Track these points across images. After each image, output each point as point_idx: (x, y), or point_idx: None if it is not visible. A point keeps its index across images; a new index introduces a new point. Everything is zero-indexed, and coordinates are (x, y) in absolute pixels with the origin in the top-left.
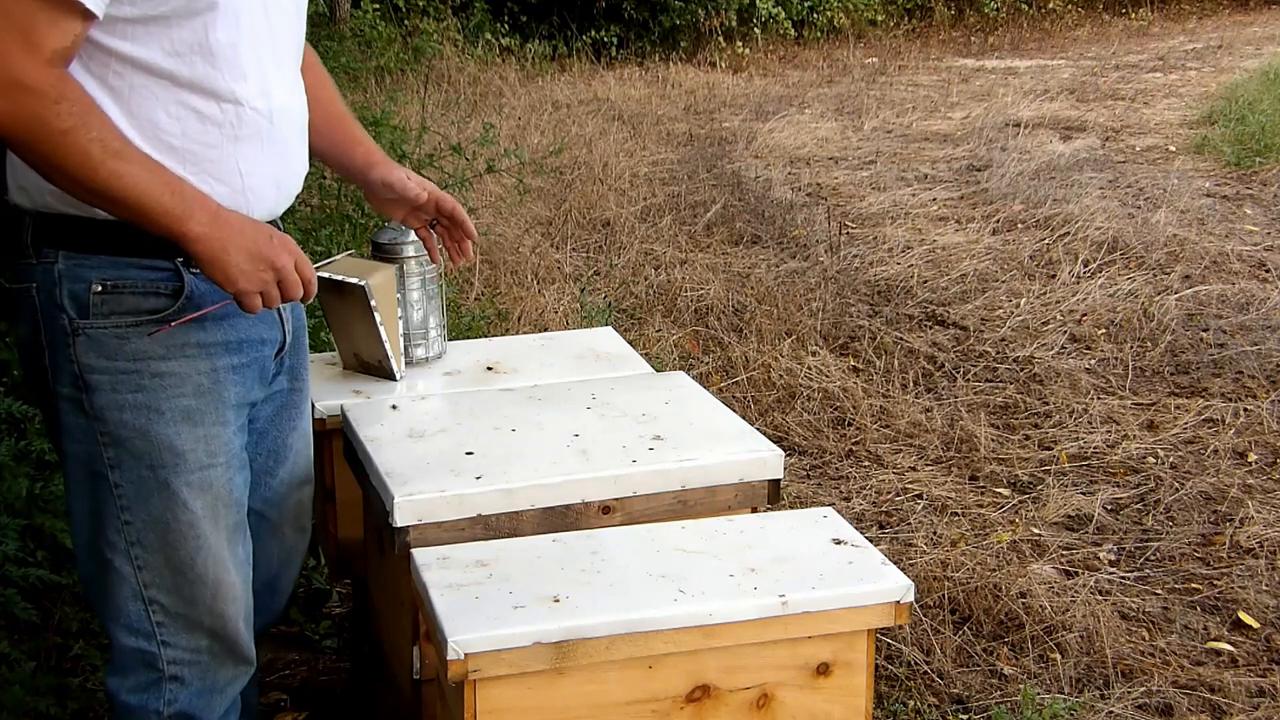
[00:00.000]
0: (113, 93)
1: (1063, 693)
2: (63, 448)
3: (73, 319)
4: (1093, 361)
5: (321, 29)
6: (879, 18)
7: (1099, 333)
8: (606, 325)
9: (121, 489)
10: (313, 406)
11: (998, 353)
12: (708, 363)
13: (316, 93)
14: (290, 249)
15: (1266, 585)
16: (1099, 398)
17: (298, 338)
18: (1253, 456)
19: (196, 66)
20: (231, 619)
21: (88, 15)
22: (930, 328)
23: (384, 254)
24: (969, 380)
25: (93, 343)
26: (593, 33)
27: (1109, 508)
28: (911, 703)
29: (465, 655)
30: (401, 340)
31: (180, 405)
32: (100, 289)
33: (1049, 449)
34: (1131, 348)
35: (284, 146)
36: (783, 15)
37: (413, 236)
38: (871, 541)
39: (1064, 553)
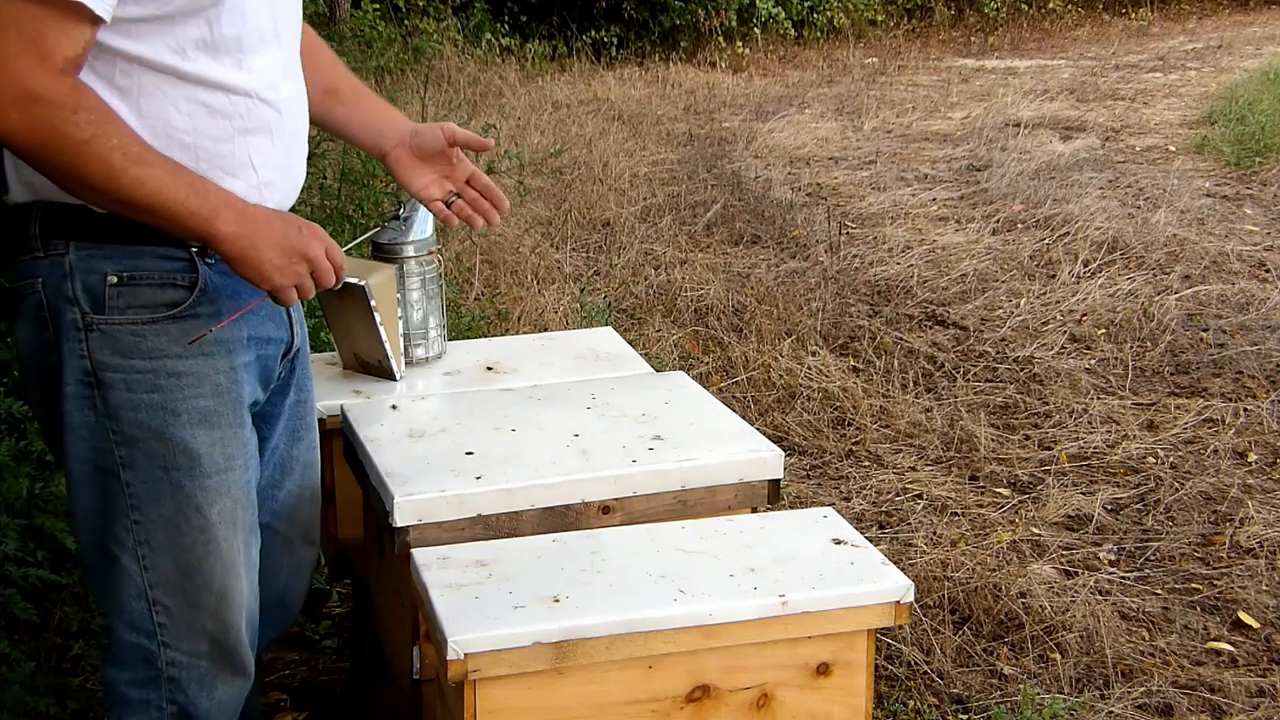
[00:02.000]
0: (121, 93)
1: (1063, 693)
2: (65, 447)
3: (85, 313)
4: (1093, 361)
5: (322, 29)
6: (879, 18)
7: (1099, 333)
8: (606, 325)
9: (133, 488)
10: None
11: (998, 353)
12: (708, 363)
13: (335, 69)
14: (320, 236)
15: (1266, 585)
16: (1099, 398)
17: (303, 344)
18: (1253, 456)
19: (201, 62)
20: (234, 627)
21: (96, 20)
22: (930, 328)
23: (384, 254)
24: (969, 380)
25: (107, 339)
26: (593, 33)
27: (1109, 508)
28: (911, 703)
29: (465, 655)
30: (401, 340)
31: (198, 407)
32: (116, 280)
33: (1049, 449)
34: (1131, 348)
35: (291, 138)
36: (783, 15)
37: (413, 236)
38: (871, 541)
39: (1064, 553)
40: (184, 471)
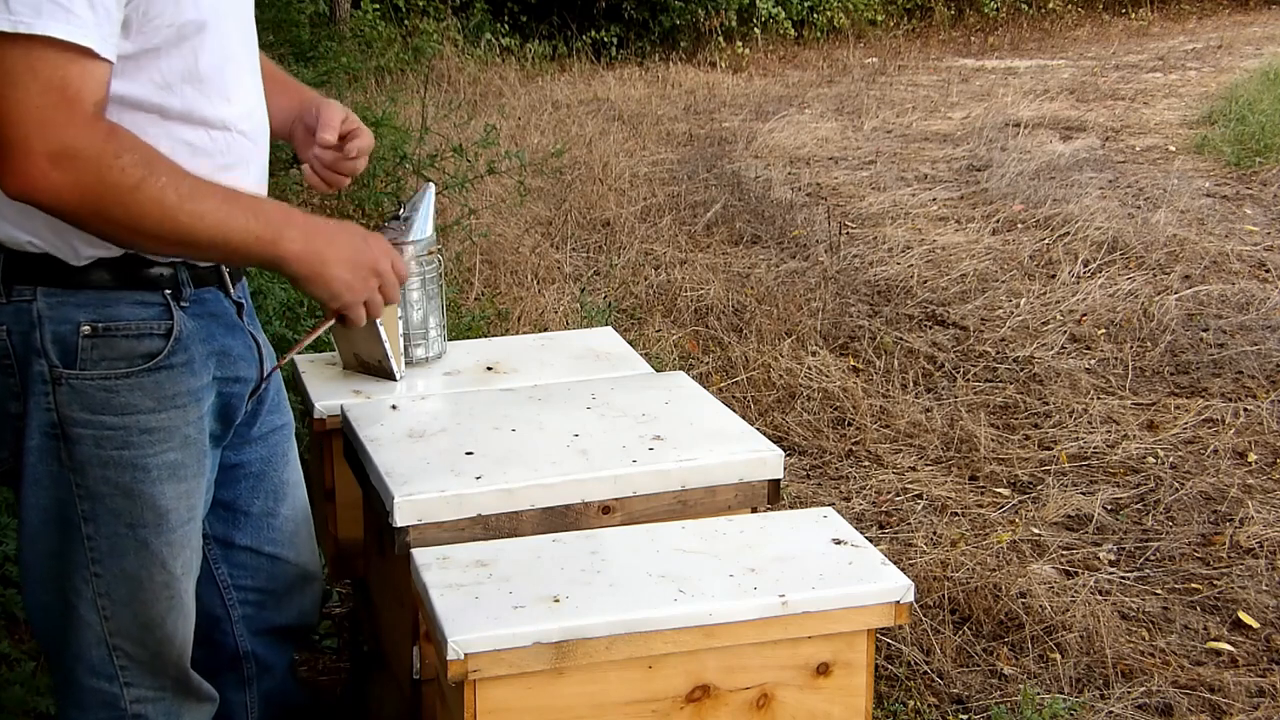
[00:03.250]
0: None
1: (1063, 693)
2: (23, 495)
3: (54, 366)
4: (1093, 361)
5: (321, 29)
6: (879, 18)
7: (1099, 333)
8: (606, 325)
9: (94, 541)
10: (313, 406)
11: (998, 353)
12: (708, 363)
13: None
14: (384, 248)
15: (1266, 585)
16: (1099, 398)
17: (274, 377)
18: (1253, 456)
19: (186, 96)
20: (194, 673)
21: (108, 61)
22: (930, 328)
23: None
24: (969, 380)
25: (76, 394)
26: (593, 33)
27: (1109, 508)
28: (911, 703)
29: (465, 655)
30: (401, 340)
31: (167, 461)
32: (90, 330)
33: (1049, 449)
34: (1131, 348)
35: (261, 165)
36: (783, 15)
37: (412, 236)
38: (871, 541)
39: (1064, 553)
40: (150, 528)
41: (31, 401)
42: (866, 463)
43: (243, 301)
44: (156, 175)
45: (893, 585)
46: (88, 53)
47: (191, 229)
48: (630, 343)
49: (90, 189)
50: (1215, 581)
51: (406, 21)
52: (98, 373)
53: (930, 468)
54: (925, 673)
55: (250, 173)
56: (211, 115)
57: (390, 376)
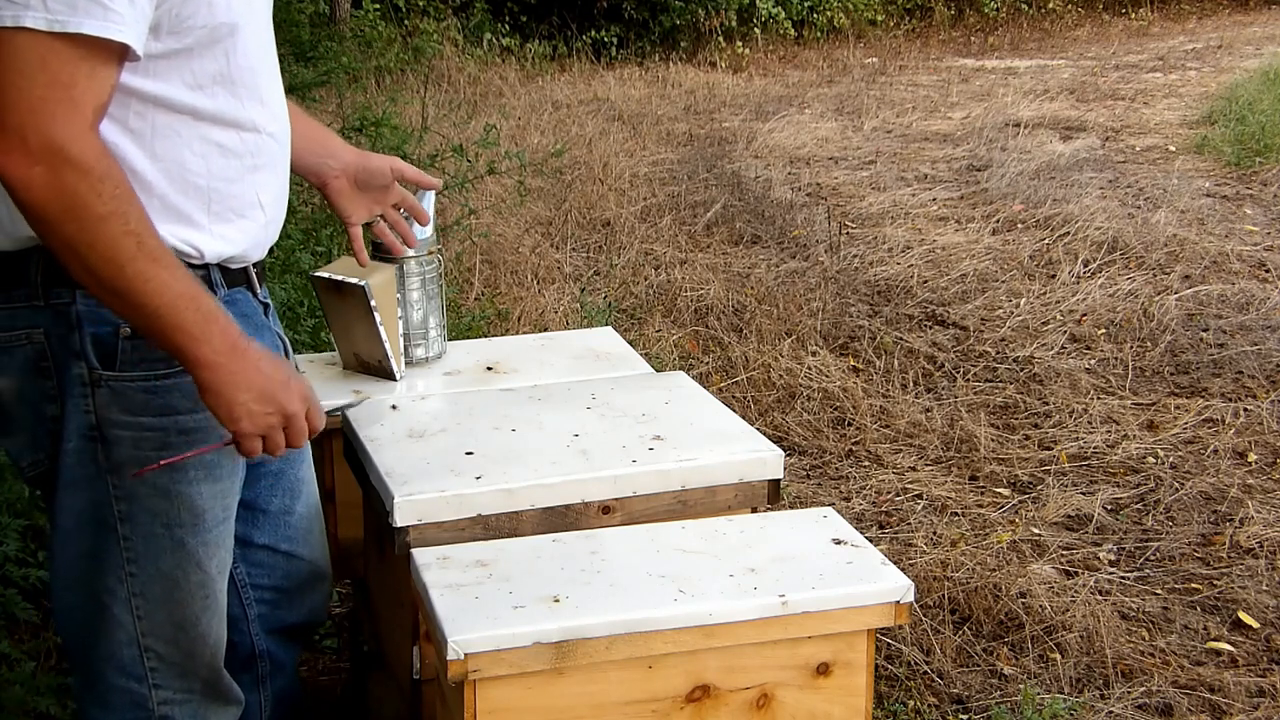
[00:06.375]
0: (134, 135)
1: (1063, 693)
2: (57, 498)
3: (94, 369)
4: (1093, 361)
5: (321, 29)
6: (879, 18)
7: (1099, 333)
8: (606, 325)
9: (130, 542)
10: None
11: (998, 353)
12: (708, 363)
13: None
14: (305, 395)
15: (1266, 585)
16: (1099, 398)
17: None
18: (1253, 456)
19: (218, 97)
20: (225, 673)
21: (126, 57)
22: (930, 328)
23: (384, 254)
24: (969, 380)
25: (116, 395)
26: (593, 33)
27: (1109, 508)
28: (911, 703)
29: (465, 655)
30: (401, 340)
31: (204, 460)
32: (129, 332)
33: (1049, 449)
34: (1131, 348)
35: (285, 167)
36: (783, 15)
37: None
38: (871, 541)
39: (1064, 553)
40: (187, 528)
41: (69, 404)
42: (866, 463)
43: (268, 302)
44: (126, 219)
45: (893, 585)
46: (104, 51)
47: (130, 285)
48: (630, 343)
49: (62, 196)
50: (1215, 581)
51: (406, 21)
52: (137, 374)
53: (930, 468)
54: (925, 673)
55: (277, 175)
56: (243, 117)
57: (390, 376)
